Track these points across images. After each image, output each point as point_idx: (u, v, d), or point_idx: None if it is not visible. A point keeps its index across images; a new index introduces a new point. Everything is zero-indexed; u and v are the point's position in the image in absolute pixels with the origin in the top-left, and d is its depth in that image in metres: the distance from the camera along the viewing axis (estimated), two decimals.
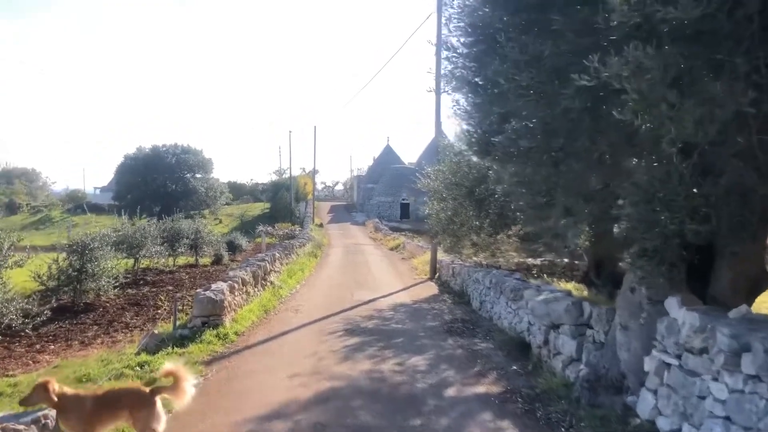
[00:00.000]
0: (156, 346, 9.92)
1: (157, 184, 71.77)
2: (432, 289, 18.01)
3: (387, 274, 22.24)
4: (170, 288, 19.25)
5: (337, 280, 19.79)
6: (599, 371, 6.73)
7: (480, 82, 6.75)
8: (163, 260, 24.65)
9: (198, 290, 11.61)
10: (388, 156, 79.82)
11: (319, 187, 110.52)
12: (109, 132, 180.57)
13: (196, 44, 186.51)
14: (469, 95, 7.50)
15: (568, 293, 9.31)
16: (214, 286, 11.67)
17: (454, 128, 17.34)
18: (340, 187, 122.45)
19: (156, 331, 10.49)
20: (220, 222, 70.15)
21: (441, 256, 21.03)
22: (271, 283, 16.45)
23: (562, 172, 6.14)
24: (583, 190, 6.07)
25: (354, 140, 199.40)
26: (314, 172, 75.40)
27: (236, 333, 10.85)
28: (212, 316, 10.90)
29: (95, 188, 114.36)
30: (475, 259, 18.24)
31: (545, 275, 18.68)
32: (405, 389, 7.53)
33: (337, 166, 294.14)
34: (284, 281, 17.74)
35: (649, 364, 5.88)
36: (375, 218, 59.78)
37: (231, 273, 13.57)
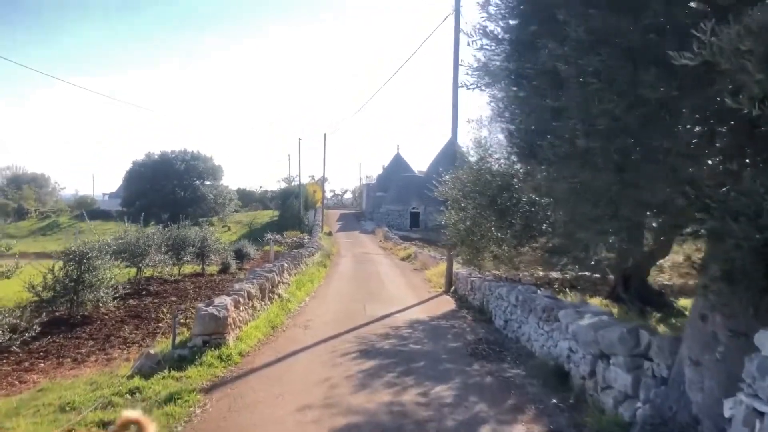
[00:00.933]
0: (151, 368, 8.96)
1: (166, 191, 71.27)
2: (449, 303, 16.99)
3: (400, 286, 21.23)
4: (174, 299, 18.38)
5: (347, 293, 18.81)
6: (664, 413, 5.70)
7: (528, 71, 5.76)
8: (168, 269, 23.78)
9: (199, 305, 10.65)
10: (397, 164, 78.95)
11: (328, 195, 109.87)
12: (119, 137, 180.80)
13: (206, 51, 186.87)
14: (512, 88, 6.54)
15: (609, 314, 8.29)
16: (217, 301, 10.71)
17: (472, 134, 16.41)
18: (349, 195, 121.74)
19: (152, 351, 9.53)
20: (229, 229, 69.56)
21: (456, 268, 20.02)
22: (279, 295, 15.49)
23: (626, 179, 5.14)
24: (654, 200, 5.06)
25: (364, 148, 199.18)
26: (323, 179, 74.59)
27: (240, 353, 9.88)
28: (214, 334, 9.94)
29: (104, 194, 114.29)
30: (494, 272, 17.23)
31: (567, 290, 17.66)
32: (432, 428, 6.52)
33: (347, 173, 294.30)
34: (293, 293, 16.78)
35: (732, 410, 4.86)
36: (384, 227, 58.85)
37: (236, 286, 12.61)
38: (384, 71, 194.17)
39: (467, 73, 8.72)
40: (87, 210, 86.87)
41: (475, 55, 8.15)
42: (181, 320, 14.29)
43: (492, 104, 14.09)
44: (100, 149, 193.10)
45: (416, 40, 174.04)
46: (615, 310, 13.37)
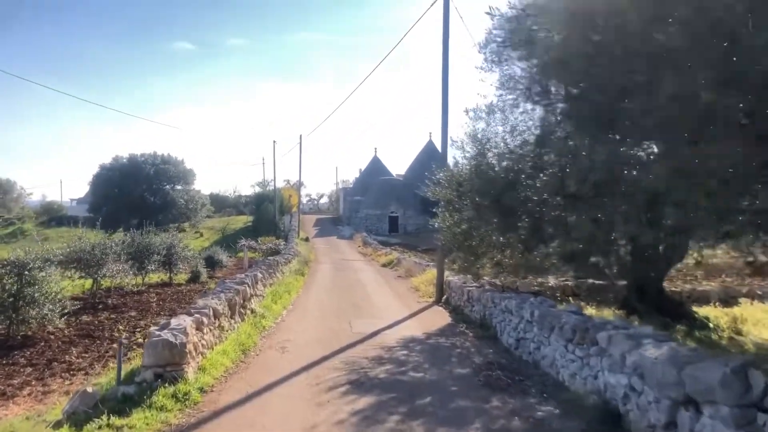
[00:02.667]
0: (86, 412, 7.00)
1: (135, 196, 68.62)
2: (442, 316, 15.19)
3: (386, 296, 19.38)
4: (133, 314, 16.32)
5: (329, 305, 16.91)
6: None
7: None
8: (130, 279, 21.63)
9: (152, 329, 8.68)
10: (375, 167, 77.31)
11: (304, 200, 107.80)
12: (87, 141, 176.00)
13: (176, 51, 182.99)
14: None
15: (675, 341, 6.54)
16: (174, 323, 8.75)
17: (468, 126, 14.66)
18: (325, 200, 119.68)
19: (89, 389, 7.55)
20: (201, 235, 67.17)
21: (447, 275, 18.27)
22: (252, 311, 13.55)
23: None
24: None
25: (340, 152, 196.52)
26: (299, 183, 72.60)
27: (202, 389, 7.95)
28: (170, 365, 7.99)
29: (71, 200, 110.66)
30: (489, 280, 15.49)
31: (570, 298, 16.00)
32: None
33: (323, 178, 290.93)
34: (268, 307, 14.82)
35: None
36: (363, 232, 57.07)
37: (200, 302, 10.64)
38: (362, 72, 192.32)
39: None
40: (54, 216, 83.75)
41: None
42: (139, 339, 12.34)
43: (508, 78, 12.49)
44: (68, 153, 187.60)
45: (396, 41, 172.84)
46: (637, 322, 11.71)
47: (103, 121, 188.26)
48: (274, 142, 72.80)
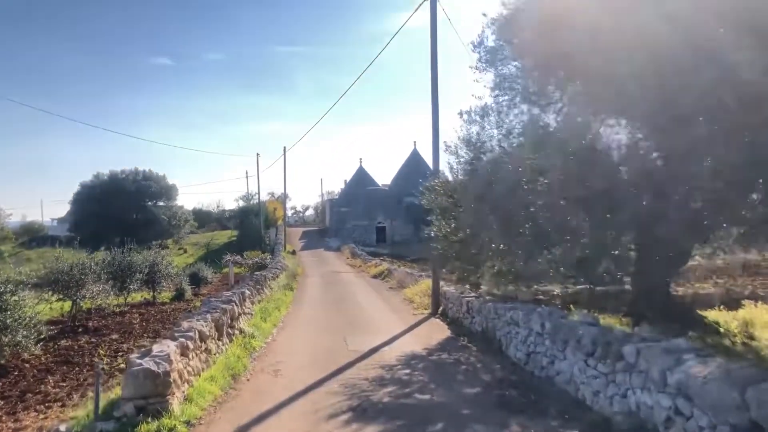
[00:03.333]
0: None
1: (117, 214, 67.22)
2: (441, 329, 14.49)
3: (380, 309, 18.65)
4: (115, 337, 15.42)
5: (322, 321, 16.14)
6: None
7: None
8: (111, 300, 20.70)
9: (132, 357, 7.88)
10: (361, 178, 76.64)
11: (289, 212, 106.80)
12: (67, 159, 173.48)
13: (154, 66, 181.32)
14: None
15: (708, 352, 5.89)
16: (156, 349, 7.97)
17: (462, 130, 14.07)
18: (310, 212, 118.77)
19: (62, 428, 6.77)
20: (185, 252, 66.09)
21: (442, 285, 17.60)
22: (241, 330, 12.76)
23: None
24: None
25: (325, 163, 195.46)
26: (284, 195, 71.69)
27: (189, 423, 7.17)
28: (152, 397, 7.20)
29: (52, 219, 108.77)
30: (485, 288, 14.82)
31: (571, 306, 15.35)
32: None
33: (308, 190, 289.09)
34: (257, 326, 14.03)
35: None
36: (350, 243, 56.31)
37: (185, 324, 9.84)
38: (345, 84, 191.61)
39: None
40: (35, 237, 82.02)
41: None
42: (121, 364, 11.49)
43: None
44: (49, 172, 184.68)
45: (378, 52, 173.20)
46: (648, 331, 11.04)
47: (85, 138, 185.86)
48: (258, 154, 71.98)
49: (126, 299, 22.14)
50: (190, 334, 9.12)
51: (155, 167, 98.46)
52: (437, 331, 14.15)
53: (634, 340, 6.69)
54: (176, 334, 9.06)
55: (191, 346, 8.84)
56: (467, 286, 15.59)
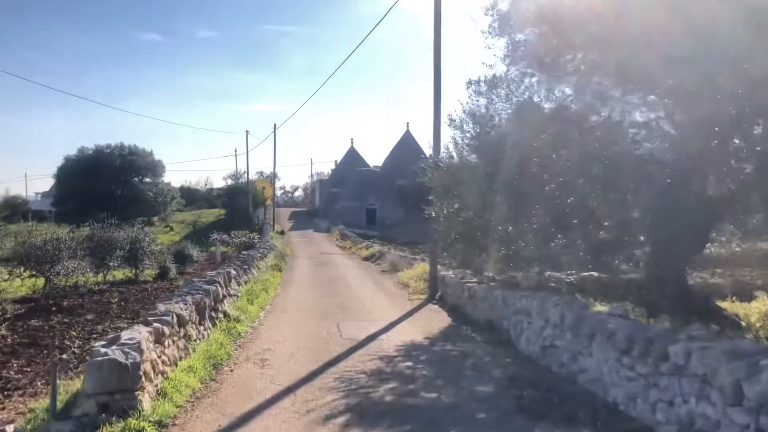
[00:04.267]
0: None
1: (102, 189, 65.40)
2: (440, 316, 13.53)
3: (374, 293, 17.67)
4: (90, 317, 14.35)
5: (312, 305, 15.12)
6: None
7: None
8: (87, 277, 19.61)
9: (96, 345, 6.82)
10: (352, 158, 75.49)
11: (278, 193, 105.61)
12: (54, 133, 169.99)
13: (145, 42, 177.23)
14: None
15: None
16: (126, 336, 6.91)
17: (468, 104, 13.03)
18: (300, 192, 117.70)
19: (9, 429, 5.72)
20: (171, 230, 64.71)
21: (440, 270, 16.64)
22: (225, 314, 11.73)
23: None
24: None
25: (315, 143, 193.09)
26: (273, 175, 70.41)
27: (161, 423, 6.13)
28: (119, 393, 6.15)
29: (36, 194, 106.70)
30: (486, 274, 13.84)
31: (578, 294, 14.42)
32: None
33: (297, 170, 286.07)
34: (243, 309, 13.00)
35: None
36: (340, 225, 55.28)
37: (162, 307, 8.76)
38: (338, 64, 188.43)
39: None
40: (18, 211, 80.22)
41: None
42: (95, 347, 10.43)
43: None
44: (35, 146, 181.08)
45: (373, 32, 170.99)
46: (651, 322, 10.10)
47: (72, 112, 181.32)
48: (247, 132, 70.32)
49: (105, 277, 21.04)
50: (167, 318, 8.07)
51: (142, 144, 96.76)
52: (437, 319, 13.19)
53: (682, 339, 5.72)
54: (151, 319, 8.00)
55: (167, 332, 7.79)
56: (468, 271, 14.62)
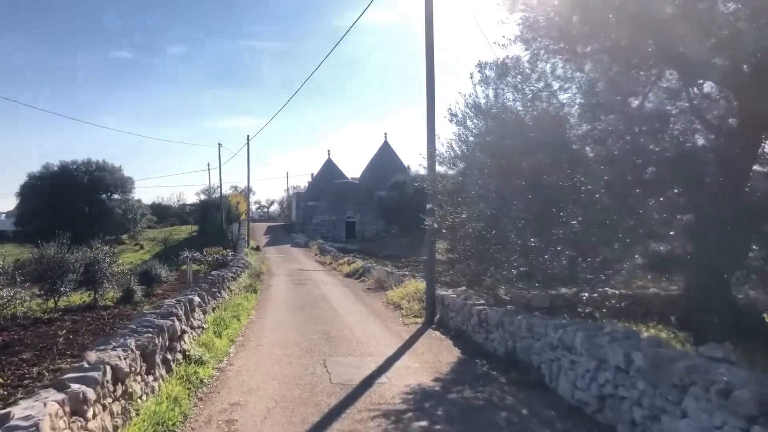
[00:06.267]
0: None
1: (67, 207, 62.11)
2: (445, 347, 11.37)
3: (362, 317, 15.47)
4: (26, 356, 11.93)
5: (293, 333, 12.86)
6: None
7: None
8: (38, 304, 17.22)
9: None
10: (329, 170, 73.29)
11: (254, 207, 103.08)
12: (19, 147, 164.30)
13: (114, 60, 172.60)
14: None
15: None
16: (20, 413, 4.66)
17: (462, 98, 11.09)
18: (275, 207, 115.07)
19: None
20: (141, 248, 61.87)
21: (438, 289, 14.53)
22: (185, 353, 9.46)
23: None
24: None
25: (291, 157, 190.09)
26: (248, 189, 68.02)
27: None
28: None
29: (1, 213, 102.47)
30: (490, 293, 11.75)
31: (597, 315, 12.43)
32: None
33: (273, 184, 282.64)
34: (208, 344, 10.71)
35: None
36: (318, 239, 53.02)
37: (92, 356, 6.47)
38: (312, 78, 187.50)
39: None
40: None
41: None
42: (20, 399, 8.10)
43: None
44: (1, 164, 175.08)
45: (345, 44, 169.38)
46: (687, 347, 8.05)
47: (39, 129, 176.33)
48: (220, 144, 67.98)
49: (57, 303, 18.57)
50: (94, 375, 5.81)
51: (112, 160, 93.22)
52: (442, 350, 11.03)
53: None
54: (71, 376, 5.74)
55: (93, 396, 5.55)
56: (471, 290, 12.55)
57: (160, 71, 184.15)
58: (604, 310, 10.77)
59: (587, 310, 11.78)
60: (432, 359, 10.22)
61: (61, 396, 5.12)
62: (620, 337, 6.78)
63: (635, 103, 9.22)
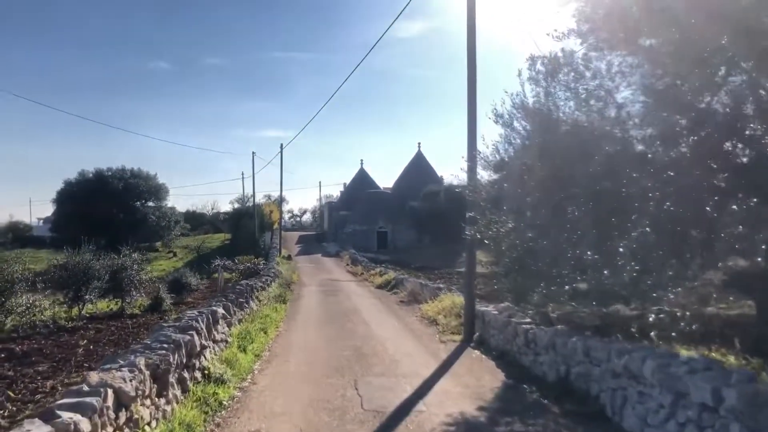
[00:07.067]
0: None
1: (102, 214, 62.63)
2: (488, 369, 10.39)
3: (396, 332, 14.55)
4: (42, 368, 11.32)
5: (322, 350, 12.02)
6: None
7: None
8: (57, 311, 16.74)
9: None
10: (362, 180, 72.68)
11: (286, 216, 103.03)
12: (60, 159, 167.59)
13: (152, 71, 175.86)
14: None
15: None
16: None
17: (508, 98, 10.16)
18: (308, 216, 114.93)
19: None
20: (175, 255, 61.93)
21: (477, 304, 13.54)
22: (204, 371, 8.67)
23: None
24: None
25: (324, 167, 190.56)
26: (281, 197, 67.43)
27: None
28: None
29: (38, 219, 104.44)
30: (535, 309, 10.71)
31: (654, 336, 11.26)
32: None
33: (305, 193, 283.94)
34: (231, 360, 9.92)
35: None
36: (350, 248, 52.22)
37: (94, 378, 5.72)
38: (345, 90, 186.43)
39: None
40: (20, 237, 77.72)
41: None
42: (26, 418, 7.44)
43: None
44: (38, 170, 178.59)
45: (377, 54, 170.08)
46: None
47: (78, 137, 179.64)
48: (253, 153, 67.86)
49: (81, 311, 18.09)
50: (92, 402, 5.04)
51: (147, 168, 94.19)
52: (484, 372, 10.06)
53: None
54: (65, 402, 4.98)
55: (86, 428, 4.76)
56: (515, 307, 11.56)
57: (195, 81, 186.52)
58: (673, 333, 9.68)
59: (651, 333, 10.66)
60: (474, 383, 9.26)
61: (46, 429, 4.34)
62: (700, 368, 5.76)
63: (706, 101, 8.20)
